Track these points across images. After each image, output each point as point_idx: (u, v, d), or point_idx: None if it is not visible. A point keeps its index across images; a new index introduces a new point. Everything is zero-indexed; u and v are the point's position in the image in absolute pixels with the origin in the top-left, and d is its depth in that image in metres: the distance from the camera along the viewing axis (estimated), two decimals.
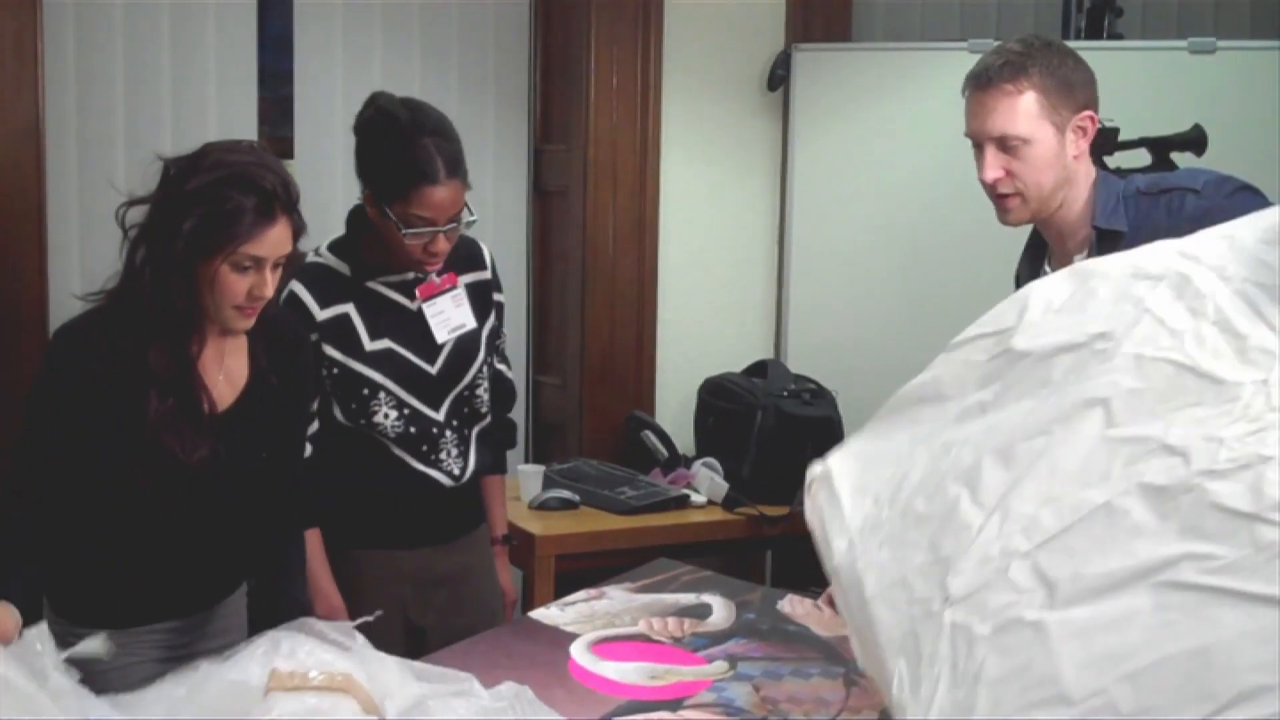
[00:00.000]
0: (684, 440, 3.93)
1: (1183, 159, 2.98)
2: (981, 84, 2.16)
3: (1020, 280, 2.38)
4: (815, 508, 1.73)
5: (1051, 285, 1.74)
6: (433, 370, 2.51)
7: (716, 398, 3.88)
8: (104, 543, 2.12)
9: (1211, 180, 2.15)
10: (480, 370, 2.59)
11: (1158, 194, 2.16)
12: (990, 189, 2.17)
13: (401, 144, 2.36)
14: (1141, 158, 2.96)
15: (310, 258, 2.47)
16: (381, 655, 1.83)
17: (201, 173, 1.99)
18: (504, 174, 4.08)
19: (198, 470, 2.07)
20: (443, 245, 2.41)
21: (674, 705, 1.91)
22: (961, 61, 3.87)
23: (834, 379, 3.84)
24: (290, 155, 3.83)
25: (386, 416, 2.47)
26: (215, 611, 2.26)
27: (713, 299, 4.18)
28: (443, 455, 2.53)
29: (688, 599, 2.27)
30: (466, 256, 2.60)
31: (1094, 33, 3.98)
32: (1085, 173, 2.18)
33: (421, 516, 2.55)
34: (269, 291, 2.04)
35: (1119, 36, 3.97)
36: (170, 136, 3.54)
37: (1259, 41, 4.02)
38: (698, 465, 3.75)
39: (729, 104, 4.13)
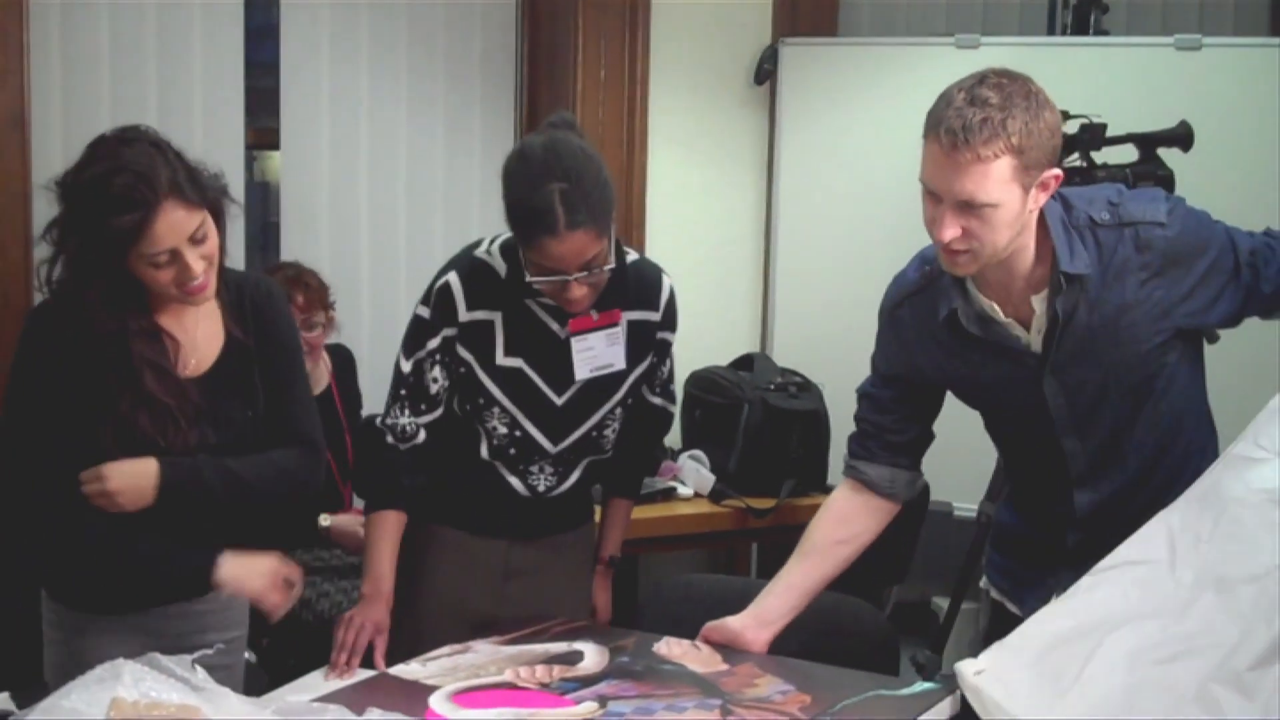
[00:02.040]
0: (670, 433, 3.92)
1: (1169, 155, 2.99)
2: (955, 143, 1.94)
3: (917, 306, 2.26)
4: None
5: None
6: (559, 401, 2.39)
7: (703, 391, 3.88)
8: (97, 524, 2.09)
9: (1167, 208, 2.04)
10: (613, 411, 2.45)
11: (1118, 226, 2.03)
12: (941, 243, 2.05)
13: (527, 189, 2.19)
14: (1129, 153, 2.98)
15: (478, 251, 2.37)
16: (227, 691, 1.78)
17: (73, 196, 2.00)
18: (490, 167, 4.06)
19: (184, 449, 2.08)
20: (576, 292, 2.24)
21: None
22: (947, 56, 3.92)
23: (820, 372, 3.84)
24: (276, 146, 3.82)
25: (494, 430, 2.38)
26: (213, 601, 2.21)
27: (699, 292, 4.15)
28: (533, 470, 2.43)
29: (558, 647, 2.16)
30: (638, 295, 2.43)
31: (1080, 29, 3.98)
32: (1035, 214, 2.03)
33: (499, 513, 2.45)
34: (196, 273, 2.01)
35: (1105, 33, 3.98)
36: (156, 126, 3.49)
37: (1244, 38, 4.05)
38: (684, 458, 3.76)
39: (716, 98, 4.13)
